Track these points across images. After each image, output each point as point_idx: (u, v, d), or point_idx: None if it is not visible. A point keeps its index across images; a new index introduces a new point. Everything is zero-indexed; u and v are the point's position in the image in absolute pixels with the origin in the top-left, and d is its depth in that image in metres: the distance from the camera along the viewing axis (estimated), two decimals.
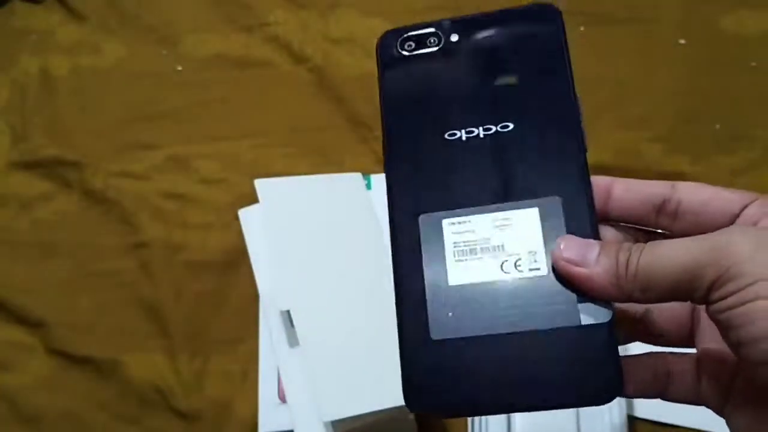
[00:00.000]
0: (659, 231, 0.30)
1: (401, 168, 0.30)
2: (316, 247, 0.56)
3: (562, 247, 0.27)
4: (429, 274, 0.28)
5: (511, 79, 0.31)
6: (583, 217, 0.28)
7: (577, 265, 0.26)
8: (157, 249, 0.67)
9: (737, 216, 0.27)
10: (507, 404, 0.26)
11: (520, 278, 0.27)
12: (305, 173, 0.69)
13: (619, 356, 0.26)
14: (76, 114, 0.77)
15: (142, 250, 0.68)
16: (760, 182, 0.65)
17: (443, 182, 0.30)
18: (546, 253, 0.28)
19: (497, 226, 0.28)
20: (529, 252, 0.28)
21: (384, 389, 0.48)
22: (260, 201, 0.57)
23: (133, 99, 0.77)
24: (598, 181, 0.29)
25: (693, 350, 0.30)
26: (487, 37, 0.32)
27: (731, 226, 0.25)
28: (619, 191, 0.29)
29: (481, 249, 0.28)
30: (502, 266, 0.28)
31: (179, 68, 0.79)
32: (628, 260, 0.25)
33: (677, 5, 0.76)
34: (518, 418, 0.51)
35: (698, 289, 0.24)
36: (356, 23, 0.79)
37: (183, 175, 0.72)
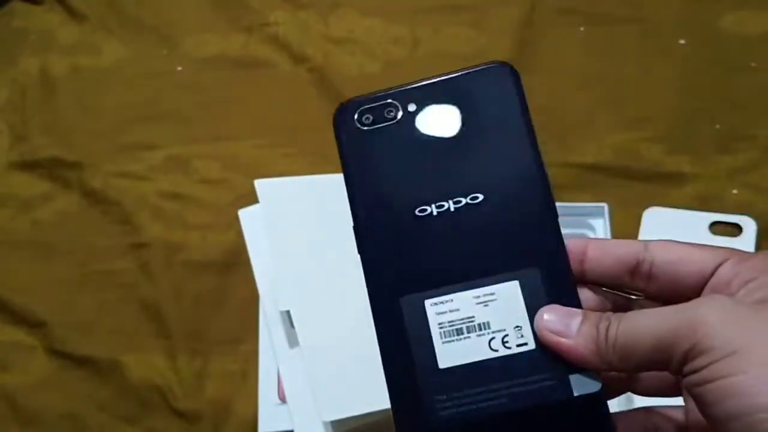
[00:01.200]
0: (634, 294, 0.30)
1: (376, 249, 0.30)
2: (316, 247, 0.56)
3: (545, 318, 0.27)
4: (418, 358, 0.28)
5: (474, 148, 0.30)
6: (563, 284, 0.28)
7: (560, 335, 0.27)
8: (156, 249, 0.67)
9: (710, 276, 0.27)
10: None
11: (509, 354, 0.28)
12: (305, 173, 0.69)
13: (612, 421, 0.27)
14: (75, 114, 0.77)
15: (142, 250, 0.68)
16: (760, 182, 0.65)
17: (420, 261, 0.29)
18: (531, 326, 0.28)
19: (480, 303, 0.29)
20: (515, 327, 0.28)
21: (384, 390, 0.48)
22: (260, 201, 0.57)
23: (133, 99, 0.77)
24: (572, 246, 0.29)
25: (680, 402, 0.30)
26: (445, 104, 0.31)
27: (703, 298, 0.25)
28: (592, 253, 0.29)
29: (467, 328, 0.28)
30: (489, 344, 0.28)
31: (179, 68, 0.79)
32: (607, 330, 0.26)
33: (677, 5, 0.76)
34: None
35: (672, 362, 0.24)
36: (356, 23, 0.79)
37: (183, 176, 0.72)
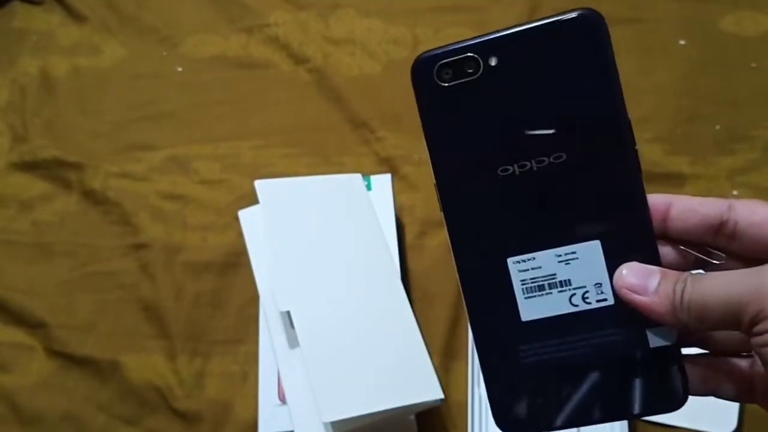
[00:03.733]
0: (717, 253, 0.30)
1: (458, 209, 0.30)
2: (316, 248, 0.56)
3: (624, 275, 0.28)
4: (502, 313, 0.30)
5: (555, 105, 0.29)
6: (644, 243, 0.29)
7: (638, 293, 0.28)
8: (157, 250, 0.67)
9: None
10: (590, 418, 0.29)
11: (589, 309, 0.29)
12: (305, 174, 0.69)
13: (685, 370, 0.29)
14: (76, 115, 0.77)
15: (142, 250, 0.68)
16: (760, 182, 0.65)
17: (503, 221, 0.30)
18: (611, 283, 0.29)
19: (562, 261, 0.29)
20: (596, 284, 0.29)
21: (384, 390, 0.48)
22: (260, 202, 0.57)
23: (133, 100, 0.77)
24: (655, 202, 0.29)
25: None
26: (526, 58, 0.29)
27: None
28: (676, 212, 0.29)
29: (549, 285, 0.29)
30: (570, 300, 0.29)
31: (179, 69, 0.79)
32: (683, 291, 0.27)
33: (677, 6, 0.76)
34: None
35: (741, 324, 0.25)
36: (356, 24, 0.79)
37: (183, 176, 0.72)
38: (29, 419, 0.61)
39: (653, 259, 0.29)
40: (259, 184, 0.57)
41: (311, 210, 0.58)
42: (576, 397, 0.29)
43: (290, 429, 0.52)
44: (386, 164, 0.70)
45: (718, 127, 0.69)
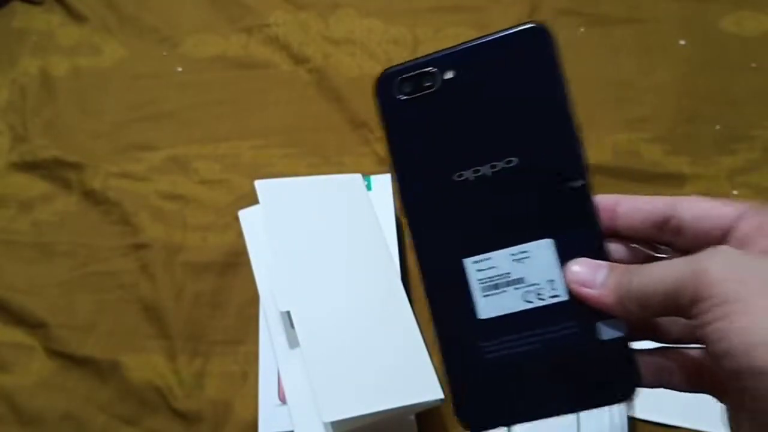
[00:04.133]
0: (663, 249, 0.32)
1: (418, 213, 0.32)
2: (316, 248, 0.56)
3: (574, 270, 0.30)
4: (460, 309, 0.31)
5: (508, 112, 0.31)
6: (593, 241, 0.30)
7: (587, 286, 0.30)
8: (157, 250, 0.67)
9: (730, 230, 0.29)
10: (547, 411, 0.30)
11: (543, 306, 0.31)
12: (305, 174, 0.69)
13: (636, 360, 0.30)
14: (76, 115, 0.77)
15: (142, 250, 0.68)
16: (760, 182, 0.65)
17: (459, 224, 0.31)
18: (563, 280, 0.30)
19: (515, 260, 0.31)
20: (548, 281, 0.31)
21: (383, 390, 0.48)
22: (260, 202, 0.57)
23: (133, 100, 0.77)
24: (603, 202, 0.31)
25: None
26: (480, 70, 0.31)
27: (712, 249, 0.27)
28: (623, 210, 0.31)
29: (504, 283, 0.31)
30: (524, 297, 0.31)
31: (179, 69, 0.79)
32: (629, 282, 0.28)
33: (677, 6, 0.76)
34: None
35: (681, 308, 0.27)
36: (356, 24, 0.79)
37: (183, 176, 0.72)
38: (29, 419, 0.61)
39: (602, 255, 0.30)
40: (259, 184, 0.57)
41: (311, 210, 0.58)
42: (532, 391, 0.30)
43: (290, 429, 0.52)
44: (386, 164, 0.70)
45: (718, 127, 0.69)
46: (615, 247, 0.31)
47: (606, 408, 0.52)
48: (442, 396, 0.49)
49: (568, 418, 0.51)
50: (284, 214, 0.56)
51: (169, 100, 0.77)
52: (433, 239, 0.32)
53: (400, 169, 0.32)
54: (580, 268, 0.30)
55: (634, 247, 0.32)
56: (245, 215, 0.59)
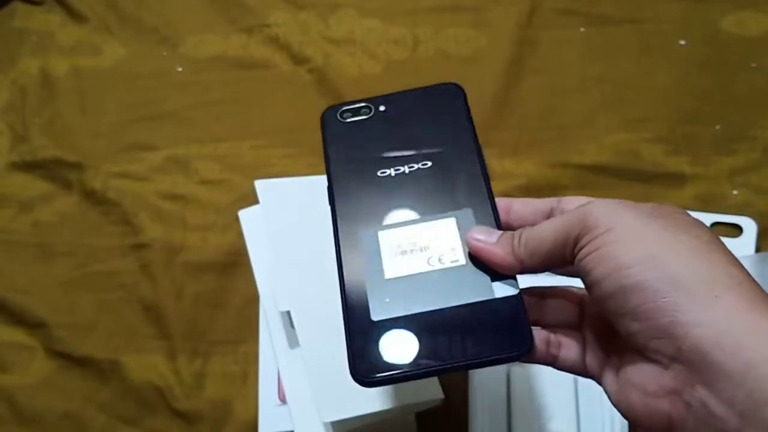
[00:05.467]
0: None
1: (344, 200, 0.38)
2: (316, 248, 0.56)
3: (473, 230, 0.34)
4: (368, 271, 0.35)
5: (427, 133, 0.40)
6: (490, 220, 0.35)
7: (484, 243, 0.33)
8: (157, 250, 0.67)
9: None
10: (442, 366, 0.31)
11: (443, 268, 0.34)
12: (305, 174, 0.69)
13: (528, 320, 0.32)
14: (76, 115, 0.77)
15: (142, 250, 0.68)
16: (760, 182, 0.65)
17: (379, 207, 0.37)
18: (464, 248, 0.34)
19: (423, 232, 0.36)
20: (451, 249, 0.35)
21: (384, 390, 0.48)
22: (260, 202, 0.57)
23: (133, 100, 0.78)
24: (500, 202, 0.36)
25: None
26: (406, 107, 0.41)
27: (597, 199, 0.31)
28: (516, 206, 0.36)
29: (411, 250, 0.35)
30: (428, 261, 0.35)
31: (179, 69, 0.79)
32: (520, 237, 0.32)
33: (677, 6, 0.76)
34: (518, 418, 0.51)
35: (567, 247, 0.30)
36: (356, 24, 0.79)
37: (183, 176, 0.72)
38: (29, 419, 0.61)
39: (498, 229, 0.35)
40: (259, 184, 0.57)
41: (311, 210, 0.58)
42: (430, 347, 0.32)
43: (290, 429, 0.52)
44: None
45: (718, 127, 0.69)
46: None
47: (607, 405, 0.52)
48: (442, 396, 0.49)
49: (567, 413, 0.51)
50: (284, 214, 0.56)
51: (169, 100, 0.77)
52: (354, 218, 0.37)
53: (333, 169, 0.39)
54: (479, 229, 0.34)
55: None
56: (245, 215, 0.59)
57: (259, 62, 0.78)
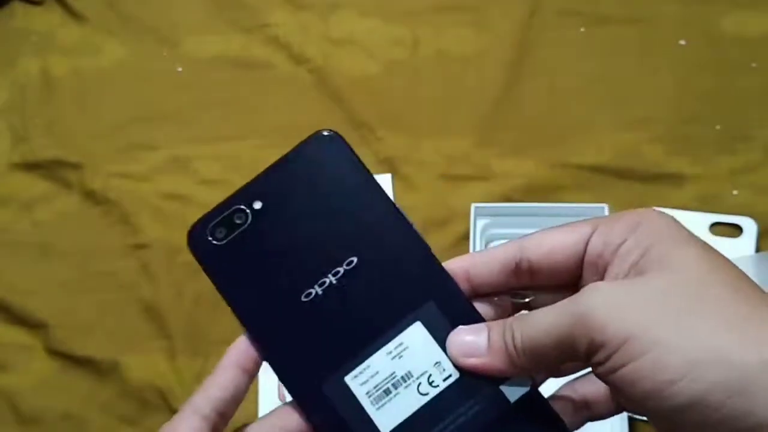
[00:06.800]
0: (527, 293, 0.30)
1: (278, 348, 0.30)
2: None
3: (454, 344, 0.28)
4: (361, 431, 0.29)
5: (330, 217, 0.30)
6: (459, 307, 0.29)
7: (473, 356, 0.28)
8: (157, 250, 0.67)
9: (583, 257, 0.28)
10: None
11: (440, 392, 0.28)
12: None
13: (552, 409, 0.28)
14: (76, 115, 0.77)
15: (143, 251, 0.67)
16: (760, 182, 0.65)
17: (325, 342, 0.29)
18: (449, 357, 0.28)
19: (394, 357, 0.29)
20: (435, 364, 0.29)
21: None
22: None
23: (134, 100, 0.77)
24: (454, 267, 0.30)
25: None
26: (286, 189, 0.31)
27: (586, 290, 0.25)
28: (474, 268, 0.30)
29: (393, 386, 0.29)
30: (418, 390, 0.29)
31: (179, 69, 0.79)
32: (513, 339, 0.27)
33: (677, 6, 0.76)
34: None
35: (579, 357, 0.25)
36: (356, 24, 0.79)
37: (183, 176, 0.72)
38: (29, 419, 0.61)
39: (474, 317, 0.29)
40: None
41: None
42: None
43: None
44: (386, 164, 0.70)
45: (718, 127, 0.69)
46: (482, 308, 0.30)
47: None
48: None
49: None
50: None
51: (169, 100, 0.77)
52: (302, 370, 0.30)
53: (243, 314, 0.30)
54: (459, 340, 0.28)
55: (498, 301, 0.30)
56: None
57: (259, 62, 0.78)
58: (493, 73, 0.74)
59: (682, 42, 0.74)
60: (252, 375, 0.32)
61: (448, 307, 0.29)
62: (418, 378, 0.29)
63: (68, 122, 0.76)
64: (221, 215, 0.31)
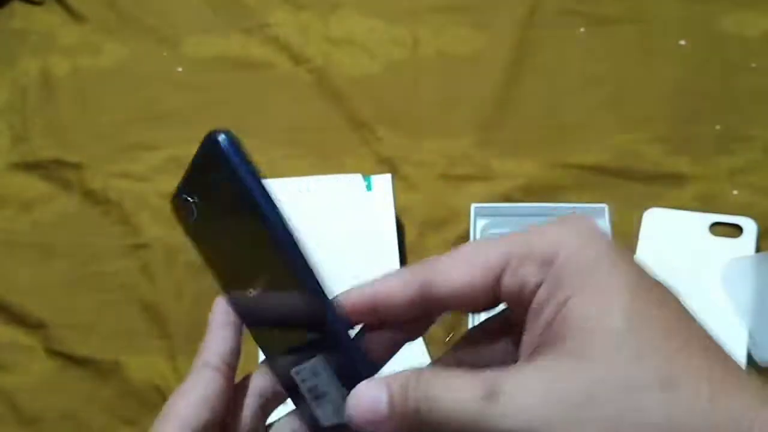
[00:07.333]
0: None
1: (244, 318, 0.32)
2: (315, 248, 0.56)
3: (351, 405, 0.26)
4: (310, 420, 0.30)
5: (242, 227, 0.28)
6: (351, 357, 0.26)
7: (376, 425, 0.25)
8: (157, 250, 0.67)
9: (499, 293, 0.26)
10: None
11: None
12: (305, 174, 0.69)
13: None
14: (76, 115, 0.77)
15: (142, 251, 0.67)
16: (761, 182, 0.65)
17: (278, 337, 0.31)
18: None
19: (318, 372, 0.28)
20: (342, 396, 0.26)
21: None
22: None
23: (134, 100, 0.77)
24: (356, 301, 0.28)
25: None
26: (203, 190, 0.30)
27: (500, 376, 0.23)
28: (381, 298, 0.28)
29: (323, 393, 0.28)
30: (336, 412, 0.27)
31: (179, 69, 0.79)
32: (417, 411, 0.24)
33: (677, 6, 0.76)
34: None
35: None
36: (356, 24, 0.79)
37: None
38: (29, 419, 0.61)
39: (365, 372, 0.26)
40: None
41: (311, 210, 0.58)
42: None
43: None
44: (386, 164, 0.70)
45: (718, 127, 0.69)
46: (380, 339, 0.28)
47: None
48: None
49: None
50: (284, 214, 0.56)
51: (169, 100, 0.77)
52: (267, 347, 0.31)
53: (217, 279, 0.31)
54: (357, 409, 0.25)
55: (410, 328, 0.29)
56: None
57: (259, 62, 0.78)
58: (493, 73, 0.74)
59: (682, 42, 0.74)
60: (241, 328, 0.34)
61: (339, 353, 0.27)
62: (331, 398, 0.28)
63: (68, 122, 0.76)
64: (181, 197, 0.31)
